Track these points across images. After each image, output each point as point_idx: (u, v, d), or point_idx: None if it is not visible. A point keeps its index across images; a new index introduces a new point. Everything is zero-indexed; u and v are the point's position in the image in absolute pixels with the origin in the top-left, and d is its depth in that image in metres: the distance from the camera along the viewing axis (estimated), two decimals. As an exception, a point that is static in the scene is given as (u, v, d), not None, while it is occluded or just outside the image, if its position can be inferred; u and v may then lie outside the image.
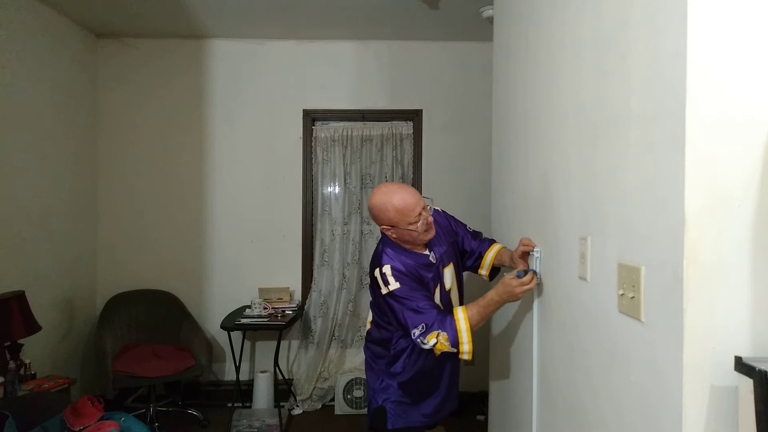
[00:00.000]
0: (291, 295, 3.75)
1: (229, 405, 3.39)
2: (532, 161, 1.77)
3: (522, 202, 1.90)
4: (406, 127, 3.89)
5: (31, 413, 2.21)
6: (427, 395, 1.94)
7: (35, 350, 2.92)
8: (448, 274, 1.92)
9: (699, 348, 0.89)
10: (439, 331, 1.64)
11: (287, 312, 3.53)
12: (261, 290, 3.63)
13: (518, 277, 1.65)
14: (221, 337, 3.70)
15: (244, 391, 3.57)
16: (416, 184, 3.85)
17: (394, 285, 1.73)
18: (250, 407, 3.52)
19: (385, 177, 3.86)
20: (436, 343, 1.64)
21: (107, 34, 3.71)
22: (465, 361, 1.76)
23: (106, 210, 3.78)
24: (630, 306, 1.07)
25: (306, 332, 3.80)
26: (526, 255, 1.76)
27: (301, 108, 3.83)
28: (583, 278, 1.34)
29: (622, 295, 1.10)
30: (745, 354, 0.88)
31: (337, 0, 3.11)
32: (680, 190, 0.90)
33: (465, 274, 2.08)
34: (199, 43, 3.78)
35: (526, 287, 1.64)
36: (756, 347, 0.89)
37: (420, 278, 1.79)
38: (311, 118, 3.86)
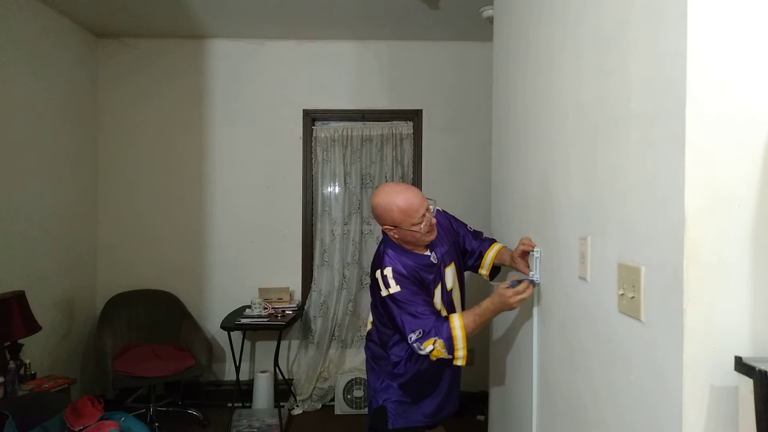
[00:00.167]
0: (291, 295, 3.75)
1: (229, 405, 3.39)
2: (532, 161, 1.77)
3: (522, 202, 1.90)
4: (406, 127, 3.89)
5: (31, 413, 2.21)
6: (427, 395, 1.94)
7: (35, 350, 2.92)
8: (450, 274, 1.92)
9: (699, 348, 0.89)
10: (436, 338, 1.64)
11: (287, 312, 3.53)
12: (261, 290, 3.63)
13: (512, 286, 1.65)
14: (221, 337, 3.70)
15: (244, 391, 3.57)
16: (416, 184, 3.85)
17: (394, 288, 1.73)
18: (250, 407, 3.52)
19: (385, 177, 3.86)
20: (433, 349, 1.65)
21: (107, 34, 3.71)
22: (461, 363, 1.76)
23: (106, 210, 3.78)
24: (630, 306, 1.07)
25: (306, 332, 3.80)
26: (526, 255, 1.76)
27: (301, 108, 3.83)
28: (583, 278, 1.34)
29: (622, 295, 1.10)
30: (745, 354, 0.88)
31: (337, 0, 3.11)
32: (680, 190, 0.90)
33: (466, 274, 2.08)
34: (199, 43, 3.78)
35: (520, 296, 1.65)
36: (756, 347, 0.89)
37: (420, 280, 1.80)
38: (311, 118, 3.86)
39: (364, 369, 2.13)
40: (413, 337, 1.67)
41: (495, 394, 2.31)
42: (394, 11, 3.27)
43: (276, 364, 3.54)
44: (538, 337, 1.70)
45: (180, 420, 3.45)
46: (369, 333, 2.01)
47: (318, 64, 3.82)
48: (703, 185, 0.89)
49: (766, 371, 0.78)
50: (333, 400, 3.66)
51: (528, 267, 1.74)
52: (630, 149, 1.09)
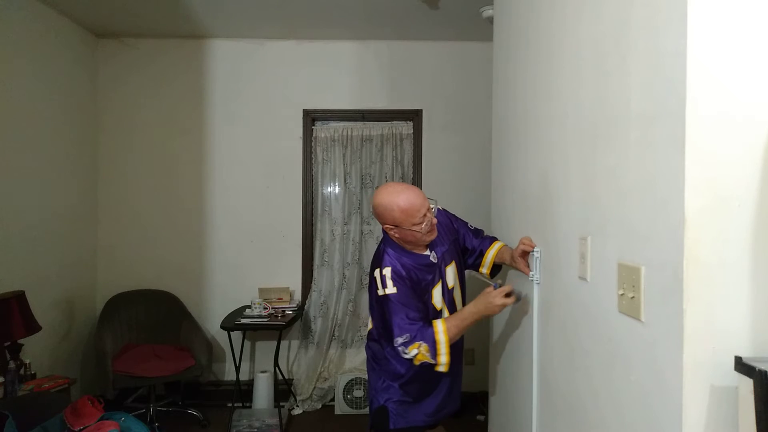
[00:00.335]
0: (291, 295, 3.75)
1: (229, 405, 3.39)
2: (532, 161, 1.77)
3: (522, 202, 1.90)
4: (406, 127, 3.89)
5: (31, 413, 2.21)
6: (428, 394, 1.95)
7: (35, 350, 2.91)
8: (451, 272, 1.93)
9: (699, 348, 0.89)
10: (421, 342, 1.69)
11: (287, 312, 3.53)
12: (261, 290, 3.63)
13: (495, 288, 1.72)
14: (221, 337, 3.70)
15: (244, 391, 3.57)
16: (416, 184, 3.85)
17: (390, 289, 1.75)
18: (250, 407, 3.52)
19: (385, 177, 3.86)
20: (417, 353, 1.70)
21: (107, 34, 3.71)
22: (444, 364, 1.78)
23: (106, 210, 3.78)
24: (630, 306, 1.07)
25: (306, 332, 3.80)
26: (526, 255, 1.76)
27: (301, 108, 3.83)
28: (583, 278, 1.34)
29: (622, 295, 1.10)
30: (745, 354, 0.88)
31: (337, 0, 3.11)
32: (680, 190, 0.90)
33: (466, 272, 2.08)
34: (199, 43, 3.78)
35: (504, 300, 1.71)
36: (756, 347, 0.89)
37: (418, 282, 1.81)
38: (311, 118, 3.86)
39: (364, 369, 2.13)
40: (399, 340, 1.71)
41: (495, 394, 2.31)
42: (394, 11, 3.27)
43: (276, 364, 3.54)
44: (538, 337, 1.70)
45: (180, 420, 3.45)
46: (369, 332, 2.01)
47: (318, 64, 3.82)
48: (703, 185, 0.89)
49: (766, 371, 0.78)
50: (333, 400, 3.65)
51: (528, 267, 1.74)
52: (630, 149, 1.09)
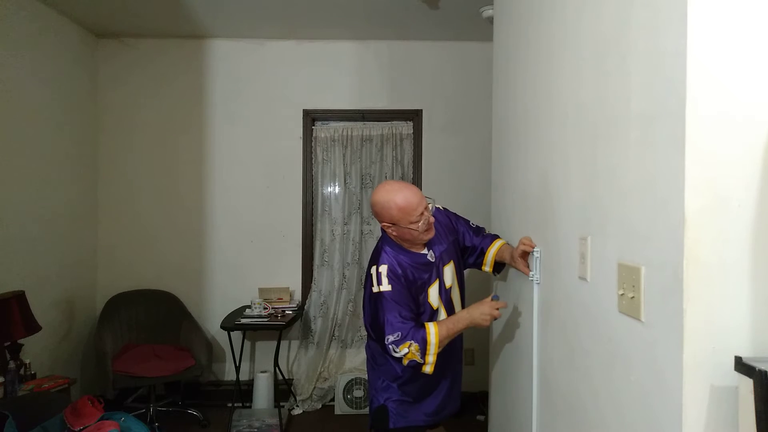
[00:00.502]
0: (291, 295, 3.75)
1: (229, 405, 3.39)
2: (532, 161, 1.77)
3: (522, 202, 1.90)
4: (406, 127, 3.89)
5: (31, 413, 2.21)
6: (428, 394, 1.95)
7: (35, 350, 2.91)
8: (449, 272, 1.93)
9: (699, 348, 0.89)
10: (412, 341, 1.71)
11: (287, 312, 3.53)
12: (261, 290, 3.63)
13: (495, 299, 1.80)
14: (221, 337, 3.70)
15: (244, 391, 3.57)
16: (416, 183, 3.85)
17: (385, 287, 1.76)
18: (250, 407, 3.52)
19: (385, 177, 3.86)
20: (407, 353, 1.71)
21: (107, 34, 3.71)
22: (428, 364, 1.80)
23: (106, 210, 3.78)
24: (630, 306, 1.07)
25: (306, 332, 3.80)
26: (526, 255, 1.76)
27: (301, 108, 3.83)
28: (583, 278, 1.34)
29: (622, 295, 1.10)
30: (745, 354, 0.88)
31: (337, 0, 3.11)
32: (680, 190, 0.90)
33: (465, 271, 2.08)
34: (199, 43, 3.78)
35: (494, 313, 1.77)
36: (756, 347, 0.89)
37: (413, 281, 1.81)
38: (311, 118, 3.86)
39: (364, 369, 2.13)
40: (390, 338, 1.72)
41: (495, 394, 2.31)
42: (394, 11, 3.27)
43: (276, 364, 3.54)
44: (538, 337, 1.70)
45: (180, 420, 3.45)
46: (370, 332, 2.01)
47: (318, 64, 3.82)
48: (703, 185, 0.89)
49: (766, 371, 0.78)
50: (333, 400, 3.65)
51: (528, 267, 1.75)
52: (630, 149, 1.09)
